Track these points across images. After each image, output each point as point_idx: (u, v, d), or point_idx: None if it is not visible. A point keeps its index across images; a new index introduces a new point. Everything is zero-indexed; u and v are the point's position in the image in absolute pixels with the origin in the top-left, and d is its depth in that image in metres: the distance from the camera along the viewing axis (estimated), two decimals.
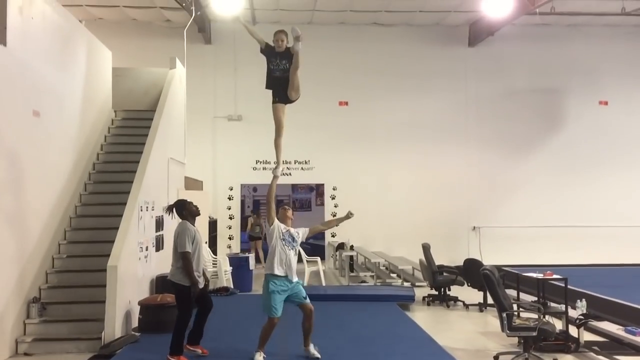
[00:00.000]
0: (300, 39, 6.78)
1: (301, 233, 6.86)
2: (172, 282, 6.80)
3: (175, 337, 6.66)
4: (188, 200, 7.17)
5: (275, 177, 6.92)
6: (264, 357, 6.60)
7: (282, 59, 6.85)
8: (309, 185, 20.70)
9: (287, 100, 6.90)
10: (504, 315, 6.74)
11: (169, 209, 7.16)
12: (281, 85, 6.87)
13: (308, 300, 6.74)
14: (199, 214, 7.14)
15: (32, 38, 8.31)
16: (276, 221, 6.71)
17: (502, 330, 6.84)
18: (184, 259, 6.63)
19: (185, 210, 6.98)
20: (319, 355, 6.66)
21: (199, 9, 14.21)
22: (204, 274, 6.99)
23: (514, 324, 6.77)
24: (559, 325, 7.71)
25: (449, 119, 17.27)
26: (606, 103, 17.55)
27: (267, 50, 7.00)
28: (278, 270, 6.55)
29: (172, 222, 11.33)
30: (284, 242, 6.63)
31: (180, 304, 6.78)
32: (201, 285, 6.85)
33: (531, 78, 17.51)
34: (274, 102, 6.95)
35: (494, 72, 17.45)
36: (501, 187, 17.20)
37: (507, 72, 17.48)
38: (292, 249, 6.66)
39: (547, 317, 7.54)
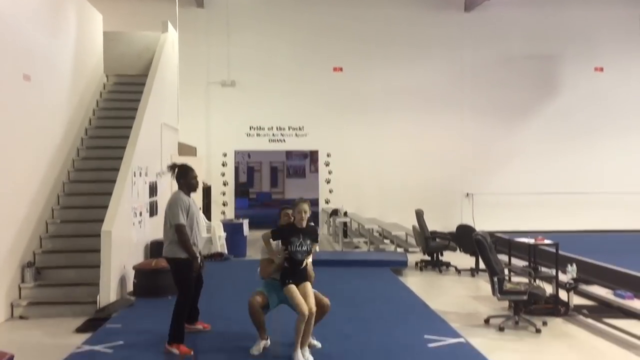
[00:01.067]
0: None
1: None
2: (168, 259, 6.07)
3: (175, 322, 5.89)
4: (193, 170, 6.38)
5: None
6: (264, 344, 5.88)
7: (305, 237, 5.71)
8: (303, 152, 20.67)
9: (302, 281, 5.69)
10: (495, 279, 6.83)
11: (172, 167, 6.41)
12: (299, 268, 5.72)
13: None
14: (195, 190, 6.38)
15: (22, 1, 8.16)
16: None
17: (493, 294, 6.94)
18: (178, 233, 5.90)
19: (184, 179, 6.24)
20: (319, 345, 6.03)
21: None
22: (200, 254, 6.30)
23: (504, 288, 6.86)
24: (549, 289, 7.82)
25: (445, 85, 17.19)
26: (602, 69, 17.48)
27: (285, 235, 5.76)
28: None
29: (166, 188, 11.38)
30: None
31: (179, 282, 6.02)
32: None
33: (527, 44, 17.38)
34: (284, 284, 5.68)
35: (490, 38, 17.31)
36: (495, 154, 17.22)
37: (503, 38, 17.34)
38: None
39: (537, 281, 7.65)
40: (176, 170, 6.33)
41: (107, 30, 12.10)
